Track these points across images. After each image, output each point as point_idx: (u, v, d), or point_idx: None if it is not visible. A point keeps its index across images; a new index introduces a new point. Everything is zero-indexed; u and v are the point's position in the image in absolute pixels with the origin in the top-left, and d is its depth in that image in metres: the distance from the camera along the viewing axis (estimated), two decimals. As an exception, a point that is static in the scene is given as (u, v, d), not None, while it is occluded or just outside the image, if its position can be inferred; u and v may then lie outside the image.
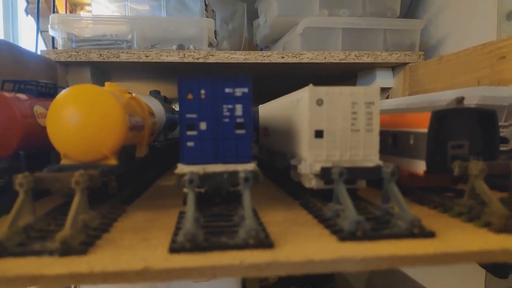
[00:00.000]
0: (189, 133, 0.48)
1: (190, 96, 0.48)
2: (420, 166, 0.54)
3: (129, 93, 0.62)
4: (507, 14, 0.88)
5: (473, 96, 0.67)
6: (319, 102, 0.50)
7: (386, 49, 1.21)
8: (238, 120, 0.49)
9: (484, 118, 0.55)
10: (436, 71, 1.04)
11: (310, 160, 0.50)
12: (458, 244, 0.38)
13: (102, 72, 1.33)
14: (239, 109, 0.49)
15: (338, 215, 0.43)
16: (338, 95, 0.50)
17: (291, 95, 0.60)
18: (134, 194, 0.61)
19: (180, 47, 1.17)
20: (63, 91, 0.50)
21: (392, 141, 0.62)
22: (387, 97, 1.30)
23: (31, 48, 1.09)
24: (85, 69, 1.12)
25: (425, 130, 0.53)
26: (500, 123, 0.67)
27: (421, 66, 1.12)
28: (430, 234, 0.40)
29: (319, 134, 0.50)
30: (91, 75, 1.15)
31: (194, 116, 0.48)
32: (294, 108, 0.58)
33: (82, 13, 1.55)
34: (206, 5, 1.44)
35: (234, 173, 0.45)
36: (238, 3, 1.77)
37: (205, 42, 1.19)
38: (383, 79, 1.28)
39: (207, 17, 1.46)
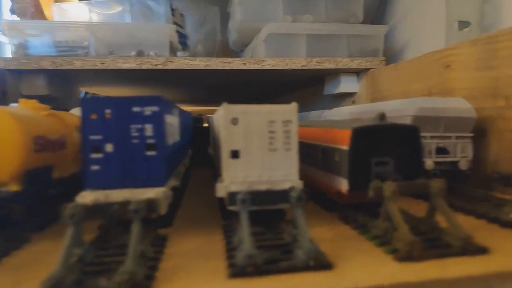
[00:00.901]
0: (94, 155, 0.46)
1: (94, 116, 0.46)
2: (344, 184, 0.53)
3: (52, 108, 0.60)
4: (454, 23, 0.87)
5: (410, 108, 0.66)
6: (234, 121, 0.49)
7: (350, 55, 1.21)
8: (149, 141, 0.47)
9: (407, 135, 0.54)
10: (393, 77, 1.03)
11: (227, 182, 0.49)
12: (351, 279, 0.36)
13: (64, 79, 1.31)
14: (149, 129, 0.47)
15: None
16: (255, 114, 0.49)
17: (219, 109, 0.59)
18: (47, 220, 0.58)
19: (140, 54, 1.15)
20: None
21: (323, 156, 0.61)
22: (353, 102, 1.29)
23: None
24: (39, 77, 1.09)
25: (346, 147, 0.52)
26: (438, 134, 0.66)
27: (380, 72, 1.11)
28: (327, 266, 0.38)
29: (235, 154, 0.49)
30: (46, 83, 1.12)
31: (99, 137, 0.46)
32: (219, 124, 0.56)
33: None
34: (173, 9, 1.43)
35: (126, 203, 0.42)
36: (210, 7, 1.75)
37: (166, 48, 1.17)
38: (348, 84, 1.27)
39: (175, 22, 1.44)
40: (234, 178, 0.49)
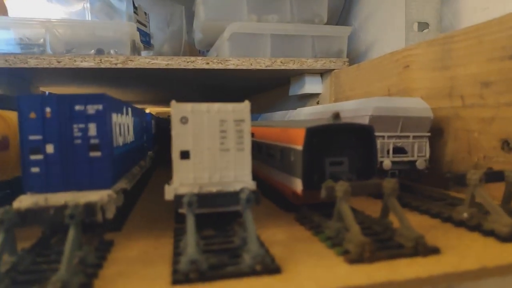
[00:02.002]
0: (33, 157, 0.43)
1: (33, 115, 0.43)
2: (298, 185, 0.52)
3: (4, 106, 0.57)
4: (414, 24, 0.88)
5: (367, 108, 0.66)
6: (184, 120, 0.47)
7: (314, 55, 1.20)
8: (92, 141, 0.45)
9: (362, 134, 0.54)
10: (356, 78, 1.04)
11: (176, 184, 0.47)
12: (299, 283, 0.35)
13: (20, 79, 1.26)
14: (92, 128, 0.45)
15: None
16: (205, 112, 0.47)
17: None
18: None
19: (99, 52, 1.11)
20: None
21: (280, 156, 0.59)
22: (318, 103, 1.29)
23: None
24: (-5, 76, 1.05)
25: (301, 147, 0.51)
26: (396, 134, 0.66)
27: (343, 73, 1.11)
28: (274, 270, 0.37)
29: (185, 155, 0.47)
30: (6, 82, 1.08)
31: (38, 137, 0.43)
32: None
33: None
34: (136, 7, 1.39)
35: (63, 208, 0.39)
36: (176, 6, 1.73)
37: (126, 47, 1.14)
38: (312, 85, 1.27)
39: (138, 20, 1.41)
40: (184, 180, 0.47)
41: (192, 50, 1.79)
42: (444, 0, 0.92)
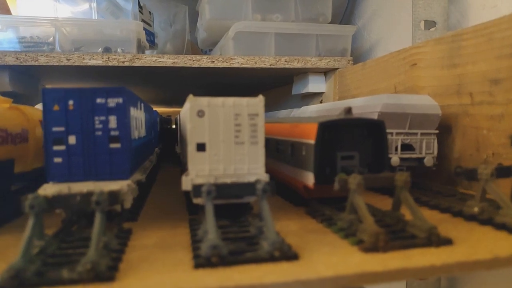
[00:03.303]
0: (56, 148, 0.44)
1: (56, 108, 0.44)
2: (310, 178, 0.53)
3: (14, 103, 0.58)
4: (420, 23, 0.89)
5: (376, 104, 0.67)
6: (200, 114, 0.48)
7: (318, 54, 1.21)
8: (112, 133, 0.46)
9: (373, 129, 0.55)
10: (361, 76, 1.05)
11: (192, 175, 0.48)
12: (316, 269, 0.36)
13: (29, 76, 1.27)
14: (113, 121, 0.46)
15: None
16: (220, 107, 0.48)
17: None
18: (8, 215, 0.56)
19: (106, 50, 1.13)
20: None
21: (291, 151, 0.60)
22: (321, 101, 1.31)
23: None
24: (2, 73, 1.06)
25: (313, 141, 0.52)
26: (404, 131, 0.67)
27: (348, 72, 1.12)
28: (292, 257, 0.38)
29: (201, 147, 0.48)
30: (10, 79, 1.09)
31: (61, 129, 0.44)
32: (185, 118, 0.55)
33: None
34: (141, 7, 1.40)
35: (89, 195, 0.40)
36: (180, 5, 1.74)
37: (133, 45, 1.15)
38: (315, 84, 1.28)
39: (142, 19, 1.42)
40: (200, 171, 0.48)
41: (195, 50, 1.80)
42: (450, -1, 0.93)
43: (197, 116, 0.48)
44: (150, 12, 1.50)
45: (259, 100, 0.49)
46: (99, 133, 0.46)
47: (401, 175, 0.46)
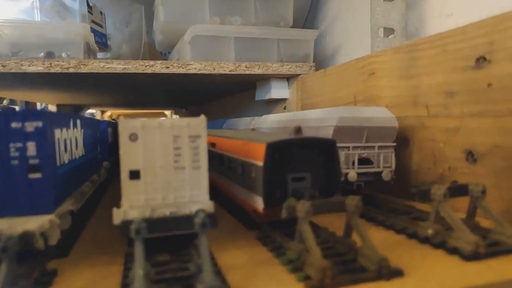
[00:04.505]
0: (-39, 180, 0.39)
1: (-38, 134, 0.39)
2: (259, 203, 0.49)
3: None
4: (379, 30, 0.87)
5: (332, 118, 0.64)
6: (133, 138, 0.43)
7: (280, 59, 1.18)
8: (32, 161, 0.41)
9: (324, 148, 0.51)
10: (322, 84, 1.02)
11: (126, 206, 0.43)
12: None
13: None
14: (32, 148, 0.41)
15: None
16: (157, 129, 0.44)
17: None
18: None
19: (49, 55, 1.05)
20: None
21: (241, 171, 0.57)
22: (284, 108, 1.27)
23: None
24: None
25: (261, 163, 0.48)
26: (361, 144, 0.65)
27: (310, 78, 1.09)
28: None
29: (134, 174, 0.43)
30: None
31: (-32, 158, 0.39)
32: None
33: None
34: (90, 7, 1.33)
35: None
36: (135, 5, 1.67)
37: (79, 50, 1.08)
38: (278, 90, 1.25)
39: (92, 20, 1.35)
40: (134, 202, 0.43)
41: (153, 52, 1.73)
42: (409, 4, 0.92)
43: (130, 140, 0.43)
44: (101, 12, 1.42)
45: (201, 120, 0.45)
46: (16, 162, 0.40)
47: (352, 199, 0.43)
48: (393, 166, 0.67)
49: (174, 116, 4.89)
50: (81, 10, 1.25)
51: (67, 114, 0.52)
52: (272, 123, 0.91)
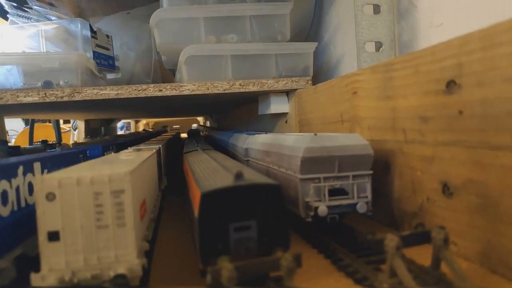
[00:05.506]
0: None
1: None
2: (198, 257, 0.46)
3: None
4: (364, 44, 0.81)
5: (299, 148, 0.60)
6: (50, 197, 0.41)
7: (279, 74, 1.14)
8: None
9: (270, 194, 0.47)
10: (314, 100, 0.97)
11: (45, 271, 0.41)
12: None
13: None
14: None
15: None
16: (75, 186, 0.41)
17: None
18: None
19: (46, 84, 1.06)
20: None
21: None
22: (286, 122, 1.23)
23: None
24: None
25: (196, 214, 0.45)
26: (333, 175, 0.60)
27: (304, 94, 1.05)
28: None
29: (53, 236, 0.41)
30: None
31: None
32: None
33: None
34: (94, 32, 1.34)
35: None
36: (143, 26, 1.69)
37: (76, 77, 1.09)
38: (277, 104, 1.21)
39: (97, 45, 1.36)
40: (54, 265, 0.41)
41: (163, 69, 1.74)
42: (401, 15, 0.86)
43: (46, 200, 0.41)
44: (107, 36, 1.44)
45: (124, 174, 0.42)
46: None
47: (285, 259, 0.39)
48: (370, 197, 0.61)
49: (206, 122, 4.94)
50: (82, 37, 1.26)
51: (28, 157, 0.51)
52: (258, 146, 0.87)
